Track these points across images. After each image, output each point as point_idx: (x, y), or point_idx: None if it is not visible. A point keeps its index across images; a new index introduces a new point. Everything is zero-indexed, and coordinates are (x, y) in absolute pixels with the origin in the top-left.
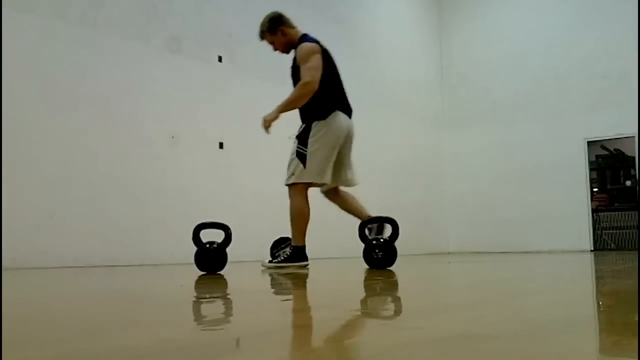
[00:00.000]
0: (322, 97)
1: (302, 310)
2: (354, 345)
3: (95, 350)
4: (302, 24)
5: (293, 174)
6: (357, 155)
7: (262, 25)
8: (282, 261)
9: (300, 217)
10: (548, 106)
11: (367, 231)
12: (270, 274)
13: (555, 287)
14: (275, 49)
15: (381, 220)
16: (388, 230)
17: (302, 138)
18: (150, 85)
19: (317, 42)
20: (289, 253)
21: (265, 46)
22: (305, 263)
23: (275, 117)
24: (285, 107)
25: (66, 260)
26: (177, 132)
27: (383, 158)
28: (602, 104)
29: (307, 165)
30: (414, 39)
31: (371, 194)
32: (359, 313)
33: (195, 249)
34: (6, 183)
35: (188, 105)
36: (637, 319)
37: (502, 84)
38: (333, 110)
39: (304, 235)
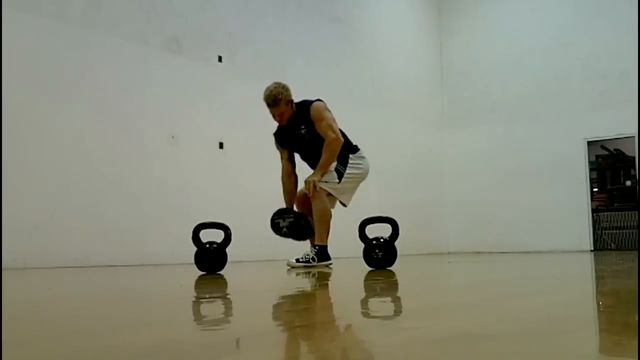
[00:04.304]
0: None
1: (302, 311)
2: (354, 345)
3: (95, 350)
4: (302, 24)
5: (326, 182)
6: None
7: (278, 93)
8: (308, 261)
9: (326, 217)
10: (548, 106)
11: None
12: (297, 273)
13: (555, 287)
14: (279, 120)
15: (381, 221)
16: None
17: (342, 160)
18: (150, 85)
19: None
20: (315, 252)
21: (265, 46)
22: (330, 262)
23: (319, 178)
24: (325, 167)
25: (66, 260)
26: (177, 132)
27: (383, 158)
28: (602, 104)
29: (341, 184)
30: (414, 39)
31: (371, 194)
32: (359, 313)
33: (195, 249)
34: (6, 183)
35: (188, 105)
36: (637, 319)
37: (502, 84)
38: (357, 148)
39: (328, 234)
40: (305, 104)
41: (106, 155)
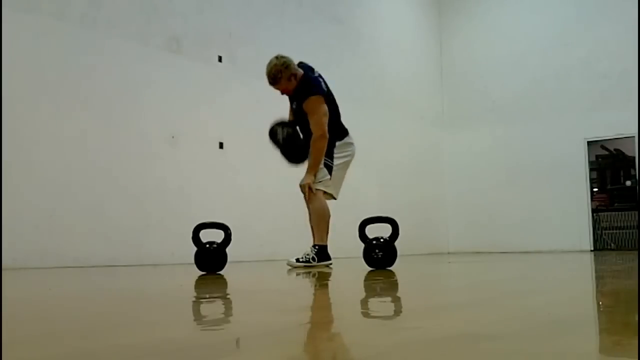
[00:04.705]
0: (331, 129)
1: (301, 310)
2: (354, 345)
3: (95, 350)
4: (302, 24)
5: (320, 182)
6: (358, 155)
7: (277, 72)
8: (308, 260)
9: (324, 217)
10: (548, 106)
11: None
12: (297, 273)
13: (555, 287)
14: (284, 93)
15: (381, 221)
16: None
17: (328, 152)
18: (150, 85)
19: (319, 81)
20: (315, 252)
21: (265, 46)
22: (330, 262)
23: (312, 180)
24: (315, 167)
25: (66, 260)
26: (177, 132)
27: (383, 158)
28: (602, 104)
29: (332, 177)
30: (414, 39)
31: (371, 193)
32: (359, 313)
33: (195, 249)
34: (6, 183)
35: (188, 105)
36: (637, 319)
37: (502, 84)
38: (345, 134)
39: (327, 234)
40: (307, 92)
41: (106, 155)
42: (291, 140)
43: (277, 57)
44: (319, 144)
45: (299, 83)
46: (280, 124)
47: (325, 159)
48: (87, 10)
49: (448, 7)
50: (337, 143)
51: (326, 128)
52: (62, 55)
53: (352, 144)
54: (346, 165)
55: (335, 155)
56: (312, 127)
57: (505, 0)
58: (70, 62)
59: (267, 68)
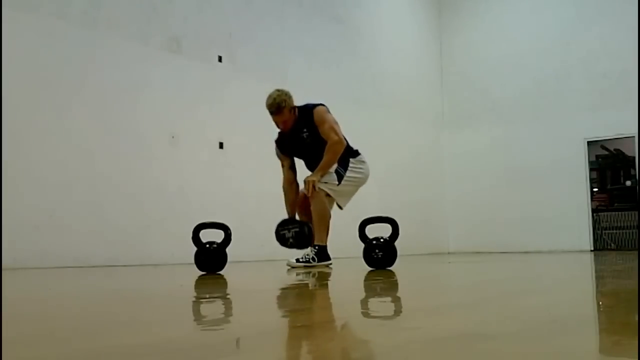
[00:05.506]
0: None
1: (301, 311)
2: (354, 345)
3: (95, 350)
4: (302, 23)
5: (326, 182)
6: None
7: (282, 100)
8: (308, 261)
9: (324, 217)
10: (548, 106)
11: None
12: (297, 273)
13: (555, 287)
14: (283, 127)
15: (381, 221)
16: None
17: (342, 162)
18: (150, 85)
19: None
20: (315, 252)
21: (265, 46)
22: (330, 262)
23: (318, 178)
24: (325, 167)
25: (66, 260)
26: (177, 132)
27: (383, 158)
28: (602, 104)
29: (340, 186)
30: (414, 39)
31: (371, 194)
32: (359, 313)
33: (195, 249)
34: (6, 183)
35: (188, 105)
36: (637, 319)
37: (502, 84)
38: (357, 153)
39: (327, 234)
40: (308, 108)
41: (106, 155)
42: (300, 236)
43: (277, 90)
44: (335, 147)
45: (299, 112)
46: (284, 226)
47: (338, 167)
48: (87, 10)
49: (448, 7)
50: (352, 160)
51: (342, 134)
52: (62, 55)
53: (365, 162)
54: (359, 183)
55: (349, 169)
56: (327, 134)
57: (506, 0)
58: (70, 62)
59: (270, 99)
